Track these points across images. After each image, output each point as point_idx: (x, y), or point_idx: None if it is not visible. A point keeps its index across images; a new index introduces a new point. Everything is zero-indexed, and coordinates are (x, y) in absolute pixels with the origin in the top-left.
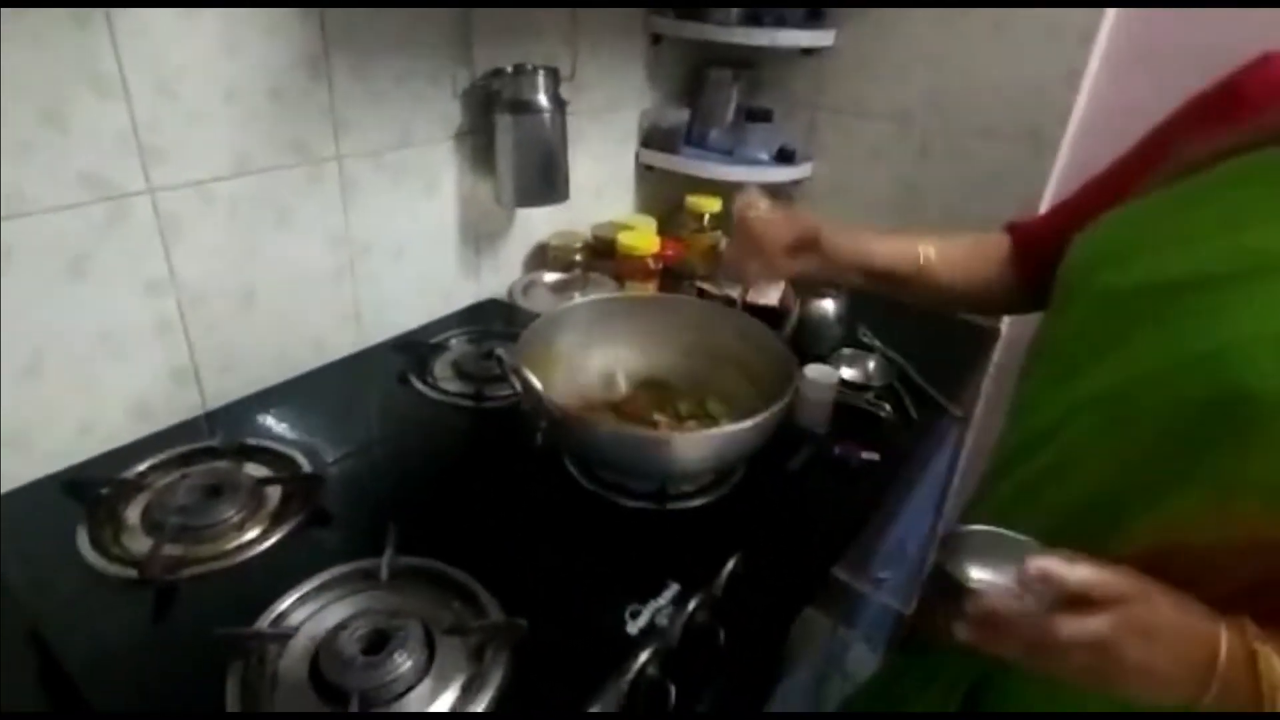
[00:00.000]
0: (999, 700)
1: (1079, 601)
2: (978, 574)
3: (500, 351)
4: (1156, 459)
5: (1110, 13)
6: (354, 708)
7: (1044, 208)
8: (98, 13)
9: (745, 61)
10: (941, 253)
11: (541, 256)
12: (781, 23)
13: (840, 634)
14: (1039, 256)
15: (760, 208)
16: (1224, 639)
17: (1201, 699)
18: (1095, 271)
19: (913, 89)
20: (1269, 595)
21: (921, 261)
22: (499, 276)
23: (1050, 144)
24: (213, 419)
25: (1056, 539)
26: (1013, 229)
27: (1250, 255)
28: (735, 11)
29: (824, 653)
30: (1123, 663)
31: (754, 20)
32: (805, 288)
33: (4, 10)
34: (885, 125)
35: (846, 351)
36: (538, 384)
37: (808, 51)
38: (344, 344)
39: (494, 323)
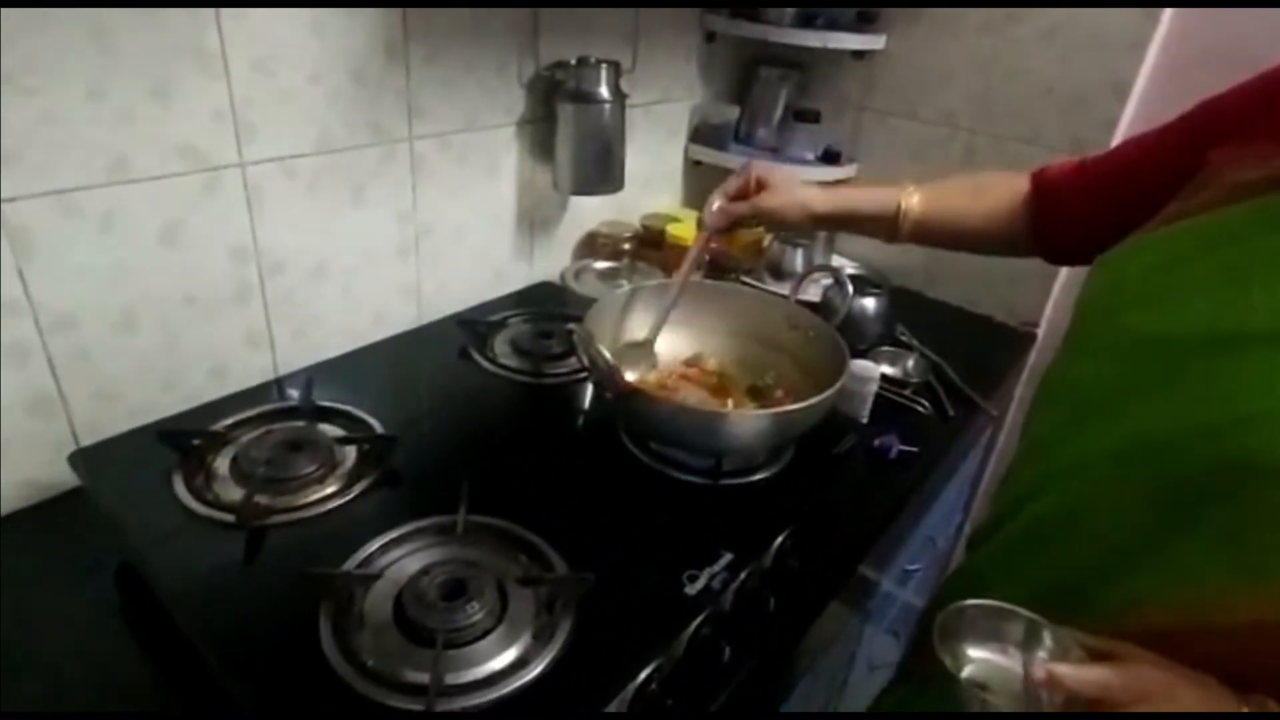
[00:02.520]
0: None
1: (1098, 701)
2: (977, 654)
3: (574, 327)
4: (1172, 526)
5: (1163, 23)
6: (439, 646)
7: None
8: None
9: (796, 62)
10: (929, 198)
11: (590, 244)
12: (834, 25)
13: (866, 627)
14: (1055, 208)
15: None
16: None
17: None
18: (1119, 311)
19: (960, 93)
20: None
21: (901, 203)
22: (550, 262)
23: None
24: (282, 383)
25: (1067, 593)
26: (1037, 174)
27: None
28: (789, 12)
29: (849, 642)
30: None
31: (807, 22)
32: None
33: None
34: (931, 129)
35: (886, 349)
36: (609, 357)
37: (858, 54)
38: (404, 319)
39: (547, 304)
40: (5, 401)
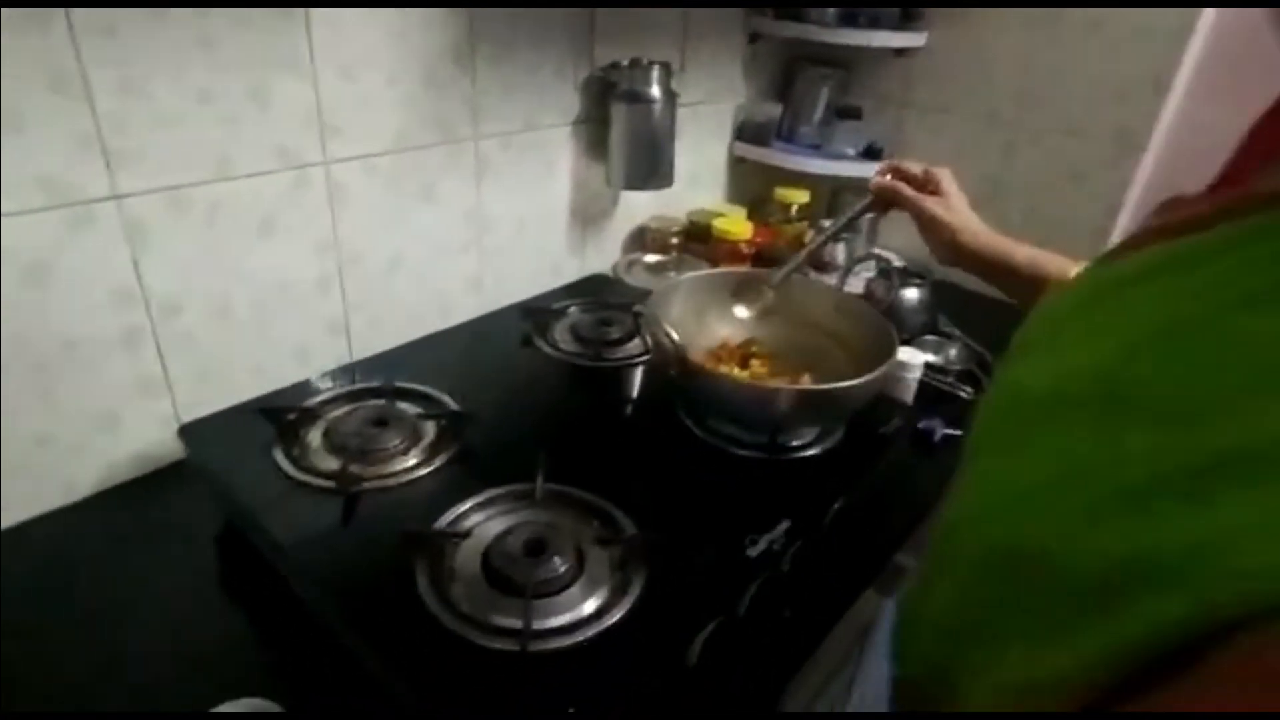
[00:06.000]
0: None
1: None
2: None
3: (640, 308)
4: (972, 608)
5: (1206, 17)
6: (529, 595)
7: (1128, 209)
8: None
9: (837, 60)
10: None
11: (639, 238)
12: (876, 24)
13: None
14: None
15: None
16: None
17: None
18: (1008, 361)
19: (1002, 89)
20: None
21: (1057, 274)
22: (601, 255)
23: (1136, 145)
24: (358, 368)
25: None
26: None
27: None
28: (831, 12)
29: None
30: None
31: (849, 21)
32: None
33: None
34: (972, 124)
35: (930, 338)
36: (675, 336)
37: (900, 52)
38: (467, 309)
39: (601, 295)
40: (121, 381)
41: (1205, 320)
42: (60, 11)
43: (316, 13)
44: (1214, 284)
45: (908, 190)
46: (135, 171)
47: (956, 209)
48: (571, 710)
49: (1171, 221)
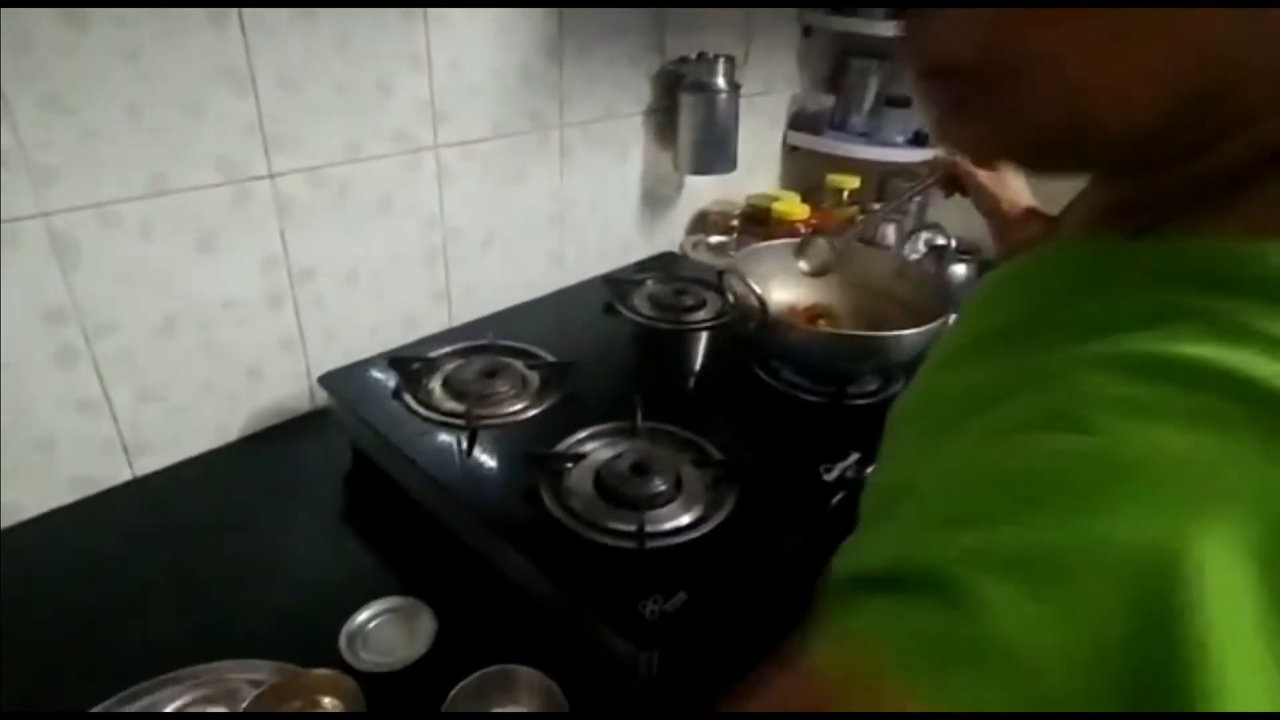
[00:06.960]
0: None
1: None
2: None
3: (725, 268)
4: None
5: None
6: (643, 505)
7: None
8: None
9: (886, 52)
10: None
11: (701, 221)
12: None
13: None
14: None
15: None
16: None
17: None
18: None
19: None
20: None
21: None
22: (667, 236)
23: None
24: (461, 331)
25: None
26: None
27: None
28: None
29: None
30: None
31: (896, 14)
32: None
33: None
34: None
35: None
36: (759, 290)
37: None
38: (550, 282)
39: (671, 269)
40: (266, 338)
41: (936, 368)
42: (234, 11)
43: (433, 11)
44: (965, 330)
45: (964, 162)
46: (285, 154)
47: (1005, 182)
48: (683, 592)
49: (1018, 243)
